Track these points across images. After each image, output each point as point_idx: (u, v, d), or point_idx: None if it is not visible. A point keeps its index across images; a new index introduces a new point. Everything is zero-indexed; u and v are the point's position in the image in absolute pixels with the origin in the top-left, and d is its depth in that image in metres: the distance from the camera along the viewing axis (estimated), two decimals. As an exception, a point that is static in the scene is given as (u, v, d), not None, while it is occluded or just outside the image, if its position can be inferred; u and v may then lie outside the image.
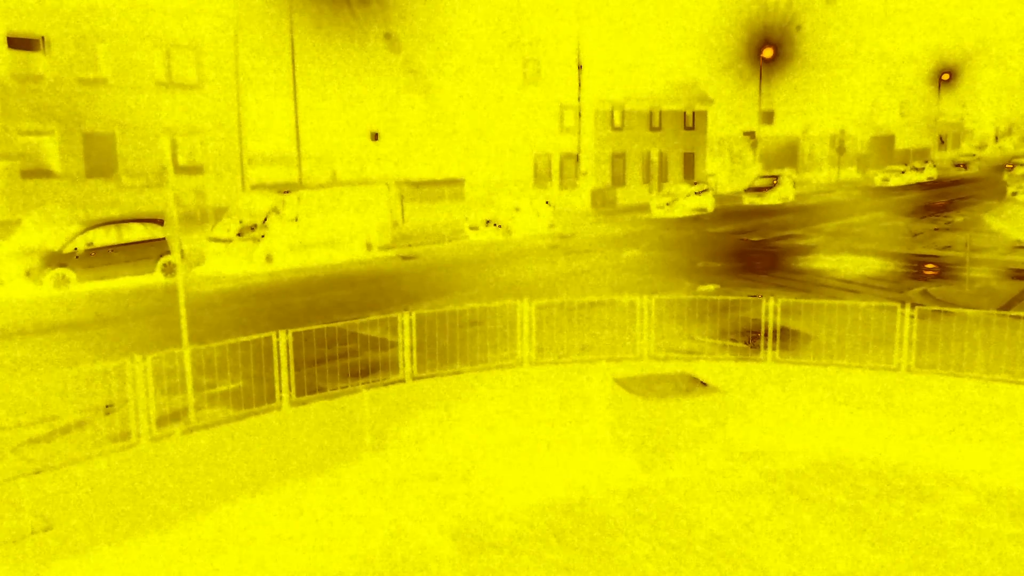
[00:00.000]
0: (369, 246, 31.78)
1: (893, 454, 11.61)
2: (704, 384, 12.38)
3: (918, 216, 42.61)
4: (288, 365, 11.48)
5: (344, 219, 30.88)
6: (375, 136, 48.55)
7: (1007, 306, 20.18)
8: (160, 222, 25.11)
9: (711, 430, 11.86)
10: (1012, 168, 63.10)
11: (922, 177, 68.99)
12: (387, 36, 44.46)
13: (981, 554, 8.86)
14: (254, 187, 34.31)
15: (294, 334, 11.63)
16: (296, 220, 29.14)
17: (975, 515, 9.74)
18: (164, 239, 24.94)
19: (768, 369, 13.32)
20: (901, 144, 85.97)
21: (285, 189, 29.83)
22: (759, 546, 9.10)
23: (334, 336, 14.12)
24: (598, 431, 12.43)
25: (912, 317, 12.95)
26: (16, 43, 32.26)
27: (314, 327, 12.38)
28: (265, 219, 28.36)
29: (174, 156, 36.83)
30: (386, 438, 12.11)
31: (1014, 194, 48.10)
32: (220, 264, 28.04)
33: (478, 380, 13.14)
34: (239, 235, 27.94)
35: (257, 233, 28.04)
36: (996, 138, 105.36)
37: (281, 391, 11.50)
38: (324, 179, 43.07)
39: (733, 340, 16.86)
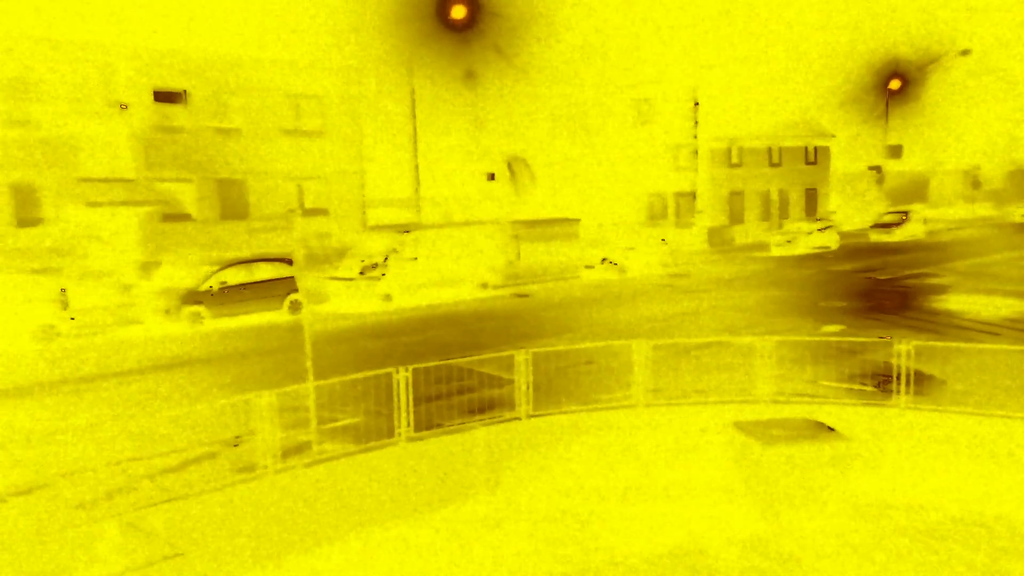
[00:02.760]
0: (484, 285, 32.22)
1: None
2: (830, 429, 11.87)
3: (1063, 254, 39.81)
4: (407, 401, 11.72)
5: (460, 258, 31.47)
6: (491, 176, 49.46)
7: None
8: (288, 262, 26.29)
9: (835, 479, 11.30)
10: None
11: (1065, 213, 64.49)
12: (468, 74, 45.43)
13: None
14: (374, 228, 35.51)
15: (413, 370, 11.87)
16: (415, 260, 29.90)
17: None
18: (291, 278, 26.10)
19: (899, 416, 12.65)
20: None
21: (404, 229, 30.71)
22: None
23: (451, 373, 14.34)
24: (715, 477, 12.01)
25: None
26: (161, 96, 34.76)
27: (432, 363, 12.61)
28: (385, 259, 29.23)
29: (300, 200, 38.68)
30: (501, 477, 12.12)
31: None
32: (341, 303, 29.02)
33: (593, 421, 13.03)
34: (361, 274, 28.88)
35: (377, 272, 28.91)
36: None
37: (400, 426, 11.73)
38: (441, 220, 44.13)
39: (862, 384, 16.10)
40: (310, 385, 12.65)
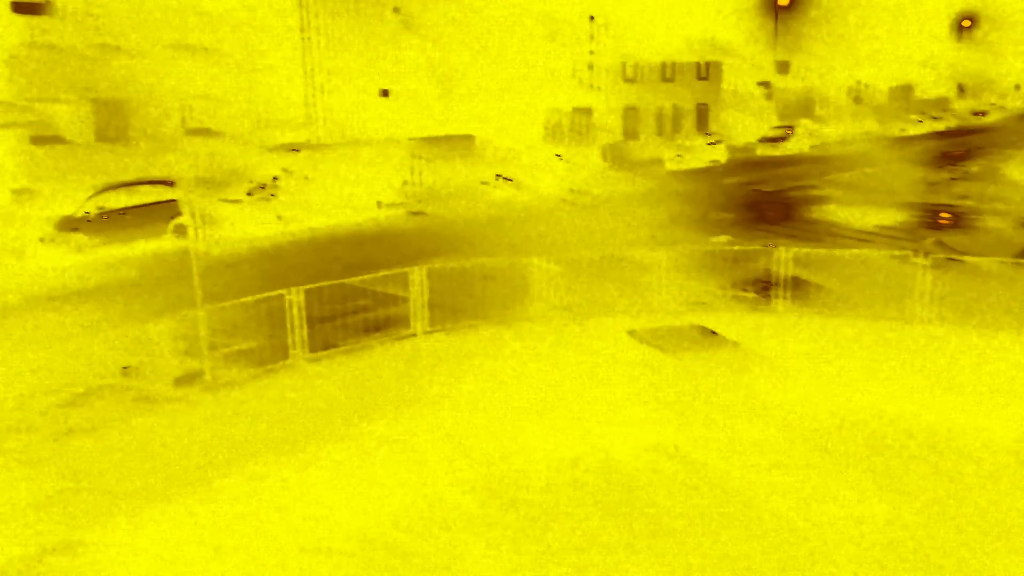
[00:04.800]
0: (380, 204, 31.71)
1: (909, 407, 11.44)
2: (719, 336, 12.40)
3: (935, 166, 42.02)
4: (301, 322, 11.58)
5: (355, 178, 30.83)
6: (385, 93, 48.19)
7: (1022, 255, 19.97)
8: (171, 184, 25.16)
9: (729, 384, 11.86)
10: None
11: (940, 127, 67.86)
12: (396, 10, 43.93)
13: (999, 507, 8.86)
14: (265, 148, 34.29)
15: (306, 292, 11.71)
16: (307, 179, 29.12)
17: (993, 468, 9.70)
18: (175, 201, 25.01)
19: (780, 320, 13.30)
20: (920, 94, 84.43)
21: (295, 148, 29.78)
22: (780, 500, 9.15)
23: (346, 293, 14.19)
24: (617, 388, 12.25)
25: (926, 267, 12.83)
26: (21, 7, 32.07)
27: (325, 284, 12.44)
28: (275, 179, 28.37)
29: (187, 120, 36.83)
30: (405, 395, 12.17)
31: (1033, 142, 47.37)
32: (233, 225, 28.09)
33: (493, 336, 13.21)
34: (249, 195, 27.98)
35: (267, 193, 28.06)
36: (1017, 87, 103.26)
37: (295, 348, 11.62)
38: (335, 139, 42.90)
39: (746, 291, 16.80)
40: (199, 311, 12.33)
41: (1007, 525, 8.49)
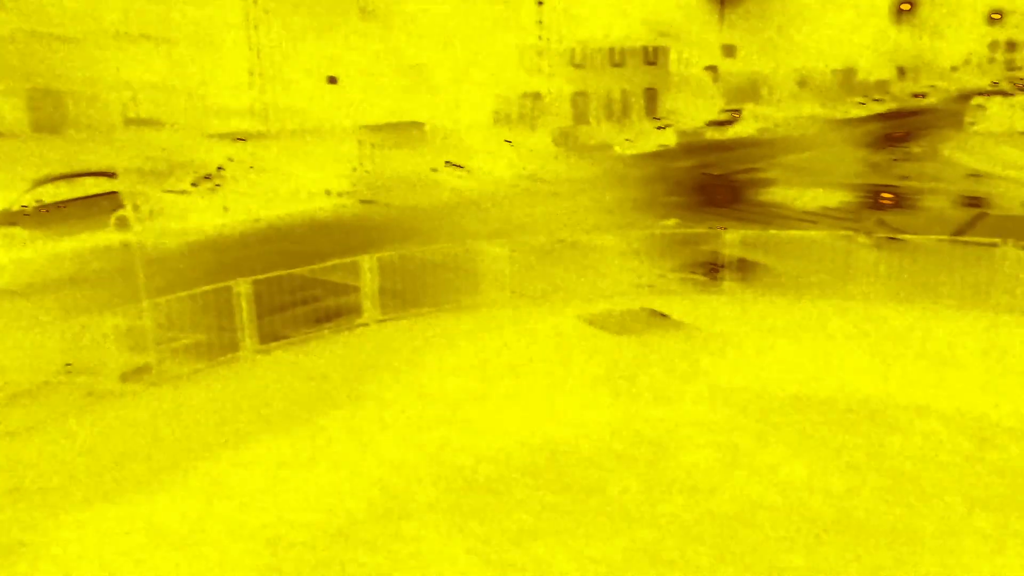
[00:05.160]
0: (329, 193, 31.36)
1: (853, 383, 11.71)
2: (669, 318, 12.55)
3: (876, 147, 42.95)
4: (249, 314, 11.43)
5: (303, 166, 30.43)
6: (332, 80, 47.57)
7: (959, 232, 20.55)
8: (112, 175, 24.53)
9: (681, 365, 12.01)
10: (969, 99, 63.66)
11: (881, 109, 69.39)
12: None
13: (944, 479, 9.13)
14: (211, 137, 33.62)
15: (254, 283, 11.55)
16: (253, 169, 28.67)
17: (938, 442, 9.99)
18: (117, 193, 24.38)
19: (729, 301, 13.50)
20: (862, 77, 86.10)
21: (240, 137, 29.28)
22: (729, 475, 9.32)
23: (295, 284, 14.02)
24: (572, 372, 12.30)
25: (869, 246, 13.12)
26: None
27: (274, 274, 12.27)
28: (220, 168, 27.87)
29: (129, 110, 35.91)
30: (359, 385, 12.07)
31: (971, 124, 48.66)
32: (178, 217, 27.52)
33: (447, 323, 13.18)
34: (194, 185, 27.45)
35: (212, 183, 27.56)
36: (954, 69, 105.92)
37: (244, 340, 11.45)
38: (282, 127, 42.24)
39: (695, 273, 17.02)
40: (144, 304, 12.08)
41: (940, 492, 8.77)
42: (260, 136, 30.00)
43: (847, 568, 7.60)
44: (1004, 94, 59.93)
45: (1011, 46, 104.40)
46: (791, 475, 9.26)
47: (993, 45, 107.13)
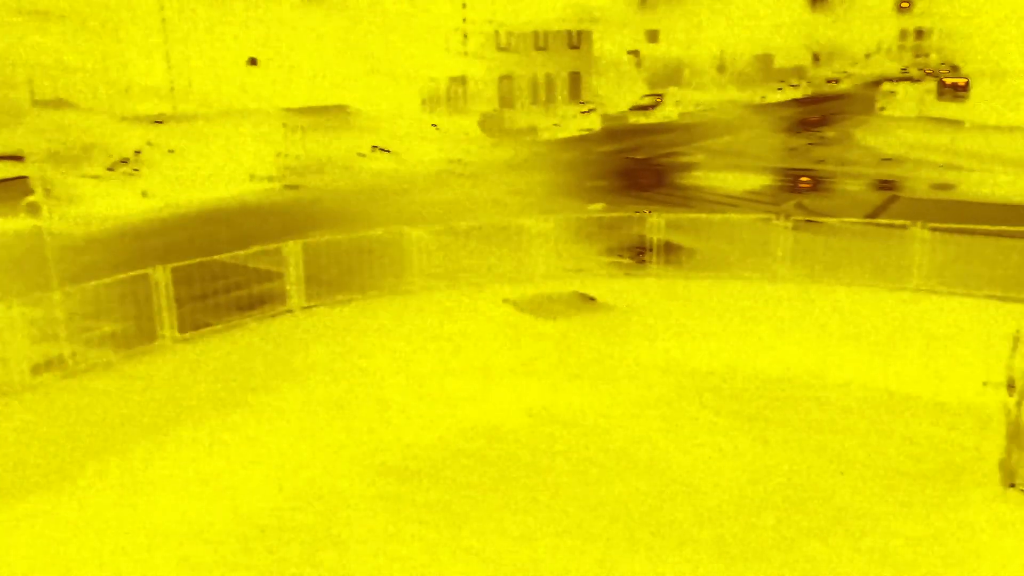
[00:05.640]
0: (252, 177, 30.67)
1: (774, 358, 12.09)
2: (596, 300, 12.70)
3: (794, 132, 44.14)
4: (169, 302, 11.12)
5: (225, 150, 29.65)
6: (253, 61, 46.39)
7: (873, 214, 21.33)
8: (20, 159, 23.49)
9: (606, 346, 12.18)
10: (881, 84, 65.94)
11: (798, 94, 71.27)
12: None
13: (856, 449, 9.51)
14: (126, 119, 32.43)
15: (174, 270, 11.24)
16: (173, 153, 27.81)
17: (854, 414, 10.39)
18: (25, 178, 23.37)
19: (654, 283, 13.74)
20: (779, 63, 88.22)
21: (158, 120, 28.36)
22: (657, 449, 9.52)
23: (217, 271, 13.70)
24: (498, 354, 12.39)
25: (787, 228, 13.50)
26: None
27: (194, 261, 11.96)
28: (137, 152, 26.95)
29: (37, 90, 34.30)
30: (282, 373, 11.89)
31: (882, 109, 50.48)
32: (94, 203, 26.52)
33: (373, 308, 13.06)
34: (110, 169, 26.49)
35: (129, 168, 26.65)
36: (867, 55, 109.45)
37: (163, 329, 11.15)
38: (202, 110, 41.04)
39: (621, 256, 17.25)
40: (56, 293, 11.64)
41: (856, 462, 9.15)
42: (180, 119, 29.08)
43: (769, 536, 7.86)
44: (912, 80, 62.31)
45: (919, 33, 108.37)
46: (716, 450, 9.52)
47: (903, 33, 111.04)
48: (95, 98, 36.33)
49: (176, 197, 27.55)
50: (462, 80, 51.48)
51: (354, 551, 7.80)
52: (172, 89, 36.36)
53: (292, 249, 12.49)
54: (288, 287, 12.50)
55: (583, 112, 46.88)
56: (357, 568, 7.56)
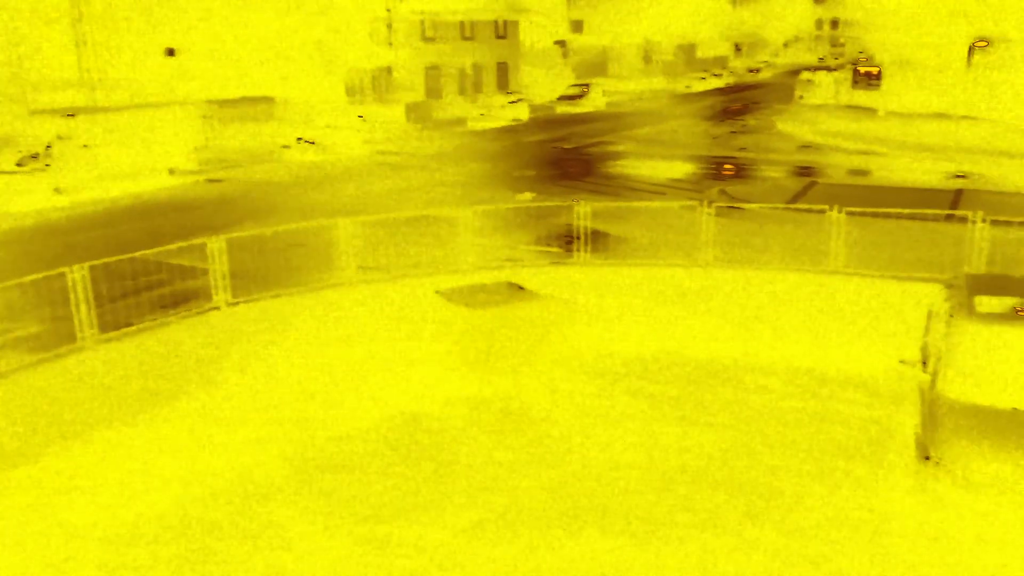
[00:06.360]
0: (173, 171, 29.83)
1: (703, 345, 12.35)
2: (525, 290, 12.76)
3: (717, 120, 45.03)
4: (87, 302, 10.74)
5: (143, 144, 28.74)
6: (171, 52, 45.05)
7: (793, 200, 21.93)
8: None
9: (537, 335, 12.25)
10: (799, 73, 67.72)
11: (720, 83, 72.69)
12: None
13: (780, 428, 9.81)
14: (36, 112, 31.12)
15: (91, 268, 10.86)
16: (87, 147, 26.83)
17: (781, 396, 10.70)
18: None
19: (583, 271, 13.86)
20: (702, 53, 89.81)
21: (70, 113, 27.32)
22: (587, 436, 9.64)
23: (138, 268, 13.26)
24: (429, 346, 12.36)
25: (711, 215, 13.76)
26: None
27: (112, 259, 11.58)
28: (48, 147, 25.92)
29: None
30: (211, 370, 11.62)
31: (800, 97, 51.88)
32: (3, 200, 25.43)
33: (301, 303, 12.85)
34: (19, 165, 25.42)
35: (40, 163, 25.62)
36: (786, 45, 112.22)
37: (82, 330, 10.77)
38: (118, 102, 39.65)
39: (550, 245, 17.37)
40: (-35, 294, 11.12)
41: (785, 443, 9.44)
42: (94, 111, 28.05)
43: (698, 517, 8.05)
44: (829, 69, 64.16)
45: (834, 24, 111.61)
46: (646, 435, 9.70)
47: (819, 23, 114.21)
48: (1, 91, 34.77)
49: (92, 193, 26.61)
50: (388, 70, 50.98)
51: (285, 546, 7.71)
52: (85, 81, 35.06)
53: (216, 244, 12.19)
54: (213, 283, 12.20)
55: (511, 102, 46.94)
56: (290, 563, 7.48)
